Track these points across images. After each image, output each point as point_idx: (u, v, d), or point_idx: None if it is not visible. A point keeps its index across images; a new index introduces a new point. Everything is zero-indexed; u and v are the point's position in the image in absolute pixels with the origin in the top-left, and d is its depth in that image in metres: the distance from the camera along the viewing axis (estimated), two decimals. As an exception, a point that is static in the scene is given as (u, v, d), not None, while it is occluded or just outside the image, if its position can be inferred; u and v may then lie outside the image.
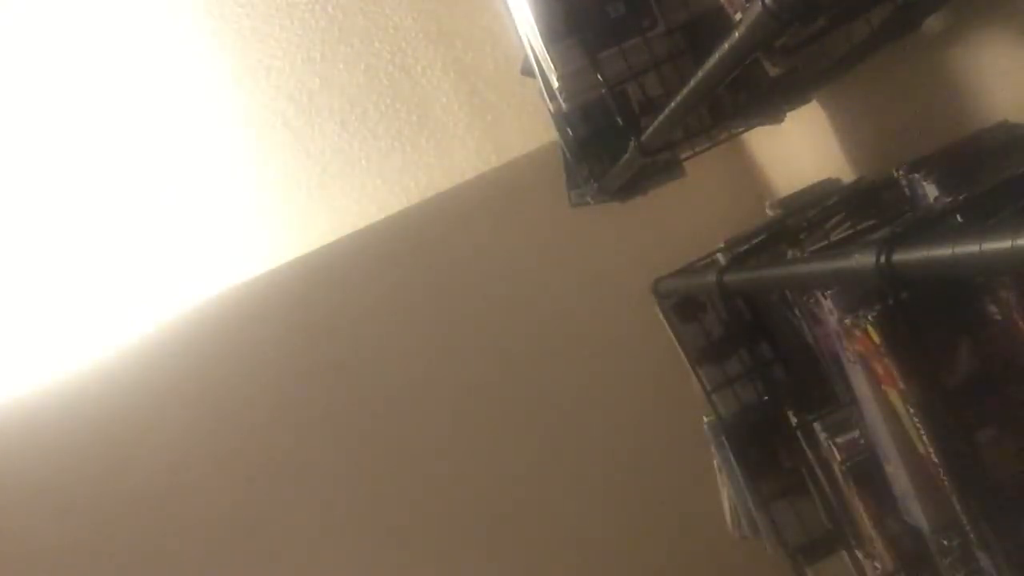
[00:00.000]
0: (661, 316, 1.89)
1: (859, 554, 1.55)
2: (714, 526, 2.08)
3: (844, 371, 1.14)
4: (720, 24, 0.99)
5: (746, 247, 1.50)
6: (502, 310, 2.65)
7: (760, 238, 1.51)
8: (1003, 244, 0.60)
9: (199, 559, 2.56)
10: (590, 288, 2.64)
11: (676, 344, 1.89)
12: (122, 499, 2.53)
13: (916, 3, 1.18)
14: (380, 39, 2.70)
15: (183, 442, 2.55)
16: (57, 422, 2.52)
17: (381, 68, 2.70)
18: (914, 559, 1.31)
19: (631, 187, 1.93)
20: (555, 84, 1.48)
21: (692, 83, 1.08)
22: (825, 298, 1.10)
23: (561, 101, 1.53)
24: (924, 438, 0.98)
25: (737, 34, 0.86)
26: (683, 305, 1.86)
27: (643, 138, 1.40)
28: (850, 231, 1.35)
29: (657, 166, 1.89)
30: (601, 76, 1.42)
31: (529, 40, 1.53)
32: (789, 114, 1.88)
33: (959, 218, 0.93)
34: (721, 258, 1.69)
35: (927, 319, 0.95)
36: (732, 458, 1.79)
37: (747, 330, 1.76)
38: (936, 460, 0.98)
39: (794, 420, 1.56)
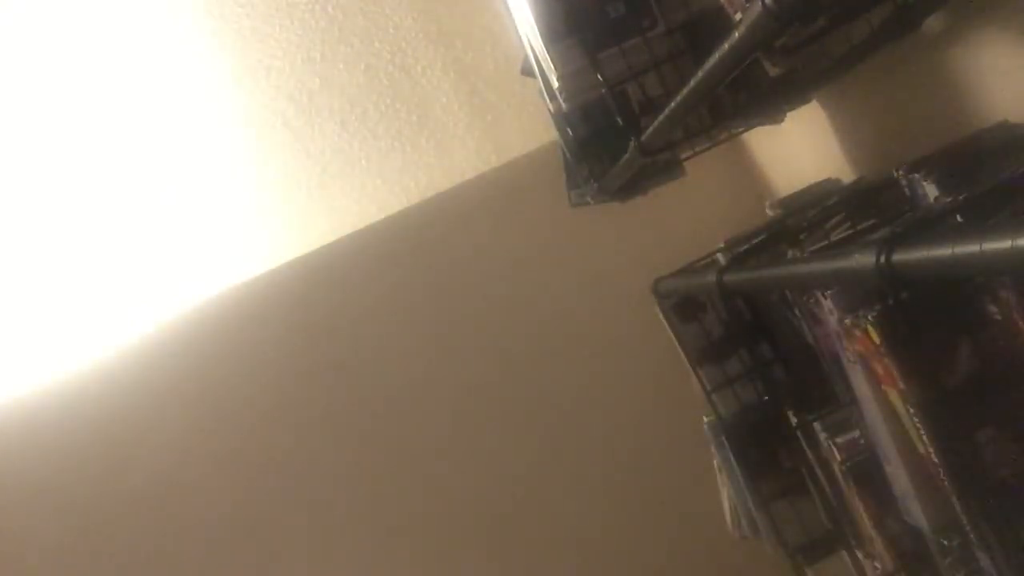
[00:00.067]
0: (661, 316, 1.89)
1: (859, 554, 1.55)
2: (714, 526, 2.08)
3: (844, 371, 1.14)
4: (720, 24, 0.99)
5: (746, 247, 1.49)
6: (502, 310, 2.65)
7: (760, 238, 1.51)
8: (1003, 244, 0.60)
9: (199, 559, 2.56)
10: (590, 288, 2.64)
11: (676, 344, 1.89)
12: (122, 499, 2.53)
13: (916, 3, 1.18)
14: (380, 39, 2.70)
15: (183, 442, 2.55)
16: (57, 422, 2.52)
17: (381, 68, 2.70)
18: (914, 559, 1.31)
19: (631, 187, 1.93)
20: (555, 84, 1.48)
21: (692, 83, 1.08)
22: (825, 298, 1.10)
23: (561, 101, 1.54)
24: (924, 438, 0.98)
25: (737, 34, 0.86)
26: (683, 305, 1.86)
27: (643, 138, 1.40)
28: (850, 231, 1.35)
29: (657, 166, 1.89)
30: (601, 76, 1.42)
31: (529, 40, 1.53)
32: (789, 114, 1.88)
33: (959, 218, 0.93)
34: (721, 258, 1.69)
35: (927, 319, 0.95)
36: (732, 458, 1.80)
37: (747, 330, 1.76)
38: (936, 460, 0.98)
39: (794, 420, 1.56)
